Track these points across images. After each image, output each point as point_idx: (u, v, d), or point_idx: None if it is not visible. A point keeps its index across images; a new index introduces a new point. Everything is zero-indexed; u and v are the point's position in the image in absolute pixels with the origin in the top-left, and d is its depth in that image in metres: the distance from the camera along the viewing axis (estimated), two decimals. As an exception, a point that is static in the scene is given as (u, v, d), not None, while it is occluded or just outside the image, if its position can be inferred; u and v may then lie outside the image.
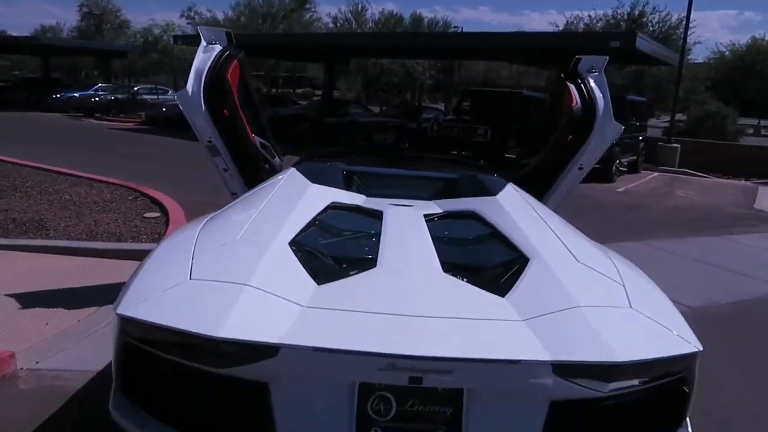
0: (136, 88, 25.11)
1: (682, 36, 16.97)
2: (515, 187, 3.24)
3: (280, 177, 3.18)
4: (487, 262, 2.38)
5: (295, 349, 1.70)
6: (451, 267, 2.26)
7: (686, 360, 1.90)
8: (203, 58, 4.12)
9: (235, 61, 4.20)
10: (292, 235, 2.39)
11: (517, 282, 2.15)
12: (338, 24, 46.89)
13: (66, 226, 5.77)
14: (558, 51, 12.73)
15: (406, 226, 2.64)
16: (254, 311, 1.86)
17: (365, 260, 2.27)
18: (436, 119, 15.78)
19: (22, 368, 3.20)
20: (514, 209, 2.85)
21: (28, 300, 4.03)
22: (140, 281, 2.09)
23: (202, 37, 4.19)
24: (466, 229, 2.72)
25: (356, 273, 2.16)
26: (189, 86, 4.03)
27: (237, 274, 2.05)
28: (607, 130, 4.07)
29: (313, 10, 39.37)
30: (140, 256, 4.97)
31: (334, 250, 2.37)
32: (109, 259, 5.06)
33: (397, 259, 2.27)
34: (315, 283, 2.06)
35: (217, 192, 4.94)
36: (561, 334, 1.82)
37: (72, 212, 6.32)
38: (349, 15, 47.25)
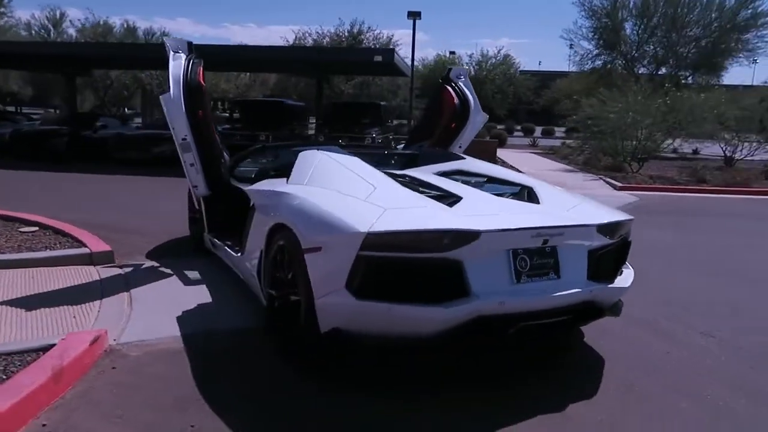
0: None
1: (411, 52, 20.51)
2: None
3: (325, 157, 4.04)
4: (508, 191, 3.82)
5: (490, 232, 2.91)
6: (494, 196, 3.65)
7: (630, 224, 3.62)
8: (175, 65, 4.65)
9: (200, 68, 4.80)
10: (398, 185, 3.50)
11: (539, 198, 3.65)
12: (32, 32, 41.74)
13: (-51, 248, 5.29)
14: (329, 63, 14.55)
15: (440, 179, 3.90)
16: (446, 216, 2.99)
17: (451, 195, 3.48)
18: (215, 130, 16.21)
19: (110, 345, 3.50)
20: (485, 165, 4.36)
21: (27, 305, 4.03)
22: (341, 219, 2.96)
23: (168, 47, 4.68)
24: (469, 178, 4.11)
25: (458, 201, 3.38)
26: (171, 91, 4.52)
27: (409, 203, 3.13)
28: (478, 119, 5.84)
29: (9, 15, 34.51)
30: (68, 261, 5.06)
31: (427, 192, 3.54)
32: (38, 267, 4.97)
33: (468, 194, 3.54)
34: (446, 205, 3.25)
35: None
36: (589, 214, 3.39)
37: (-72, 236, 5.67)
38: (46, 22, 42.50)
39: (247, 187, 4.23)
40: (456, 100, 5.78)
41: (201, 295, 4.53)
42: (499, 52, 40.80)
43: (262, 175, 4.60)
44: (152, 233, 6.60)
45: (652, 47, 28.30)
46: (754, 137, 18.64)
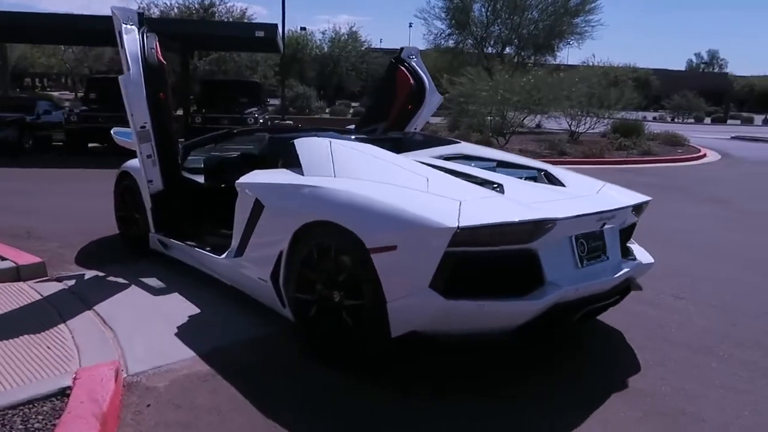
0: None
1: (282, 28, 19.67)
2: None
3: (339, 145, 3.68)
4: (525, 175, 3.80)
5: (565, 219, 2.87)
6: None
7: (646, 203, 3.75)
8: (130, 39, 4.00)
9: (156, 43, 4.16)
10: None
11: (561, 181, 3.68)
12: None
13: None
14: (202, 38, 13.51)
15: (461, 166, 3.75)
16: (520, 206, 2.90)
17: (492, 182, 3.36)
18: (71, 110, 14.29)
19: (123, 378, 2.94)
20: (482, 148, 4.32)
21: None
22: (421, 215, 2.74)
23: (119, 18, 3.98)
24: (481, 162, 4.02)
25: (502, 188, 3.28)
26: (131, 70, 3.85)
27: (474, 193, 2.99)
28: (434, 99, 5.76)
29: None
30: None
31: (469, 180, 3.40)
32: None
33: (505, 181, 3.40)
34: (499, 193, 3.15)
35: None
36: (622, 194, 3.48)
37: None
38: None
39: (239, 181, 3.75)
40: (412, 81, 5.64)
41: (182, 305, 3.98)
42: (350, 29, 40.87)
43: (241, 166, 4.11)
44: (63, 236, 5.68)
45: (498, 28, 30.16)
46: (595, 112, 20.80)
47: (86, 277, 4.49)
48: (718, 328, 3.95)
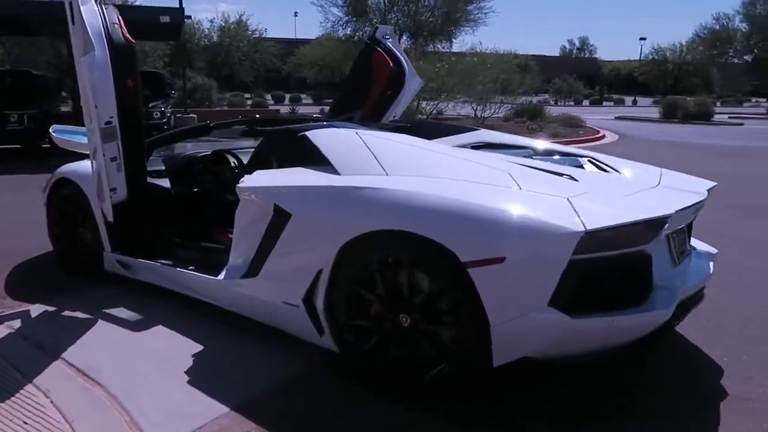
0: None
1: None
2: None
3: (375, 138, 3.11)
4: (570, 162, 3.41)
5: (674, 214, 2.49)
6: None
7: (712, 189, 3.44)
8: (89, 11, 3.17)
9: (119, 17, 3.33)
10: None
11: (613, 168, 3.32)
12: None
13: None
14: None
15: (510, 157, 3.27)
16: (630, 203, 2.51)
17: (562, 174, 2.90)
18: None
19: (149, 454, 2.21)
20: (504, 135, 3.89)
21: None
22: (537, 219, 2.27)
23: (68, -18, 3.10)
24: (519, 150, 3.56)
25: (570, 178, 2.85)
26: (96, 51, 3.01)
27: (571, 188, 2.56)
28: (413, 84, 5.25)
29: None
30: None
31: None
32: None
33: (573, 173, 2.96)
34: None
35: None
36: (686, 184, 3.15)
37: None
38: None
39: (242, 185, 3.04)
40: (391, 64, 5.09)
41: (174, 340, 3.22)
42: (240, 17, 38.87)
43: (216, 166, 3.38)
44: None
45: (395, 16, 29.92)
46: (500, 98, 21.24)
47: (33, 314, 3.55)
48: (762, 315, 3.78)
